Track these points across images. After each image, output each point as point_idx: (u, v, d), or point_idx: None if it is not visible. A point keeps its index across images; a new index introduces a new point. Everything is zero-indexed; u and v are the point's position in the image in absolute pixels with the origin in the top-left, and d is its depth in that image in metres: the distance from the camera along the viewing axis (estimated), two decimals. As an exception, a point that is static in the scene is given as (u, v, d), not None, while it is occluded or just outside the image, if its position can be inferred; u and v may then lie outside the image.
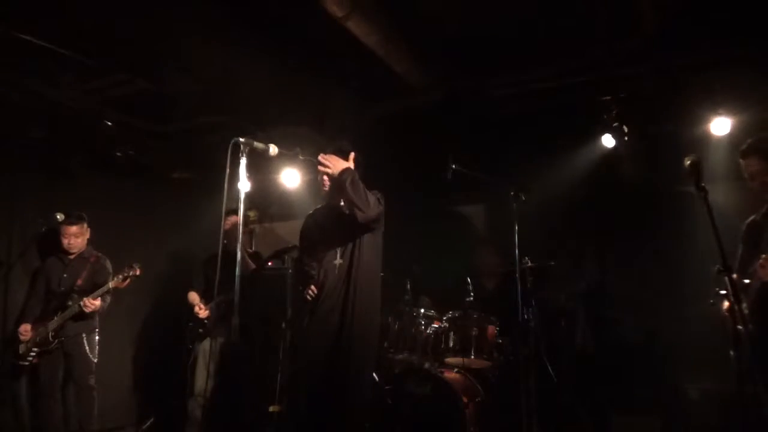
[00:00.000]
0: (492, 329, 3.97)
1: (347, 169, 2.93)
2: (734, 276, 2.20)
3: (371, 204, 2.88)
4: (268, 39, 3.60)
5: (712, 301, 2.64)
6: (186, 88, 4.24)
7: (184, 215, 5.58)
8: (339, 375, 2.85)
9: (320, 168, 2.97)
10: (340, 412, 2.83)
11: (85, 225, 4.32)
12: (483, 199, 5.48)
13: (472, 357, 3.86)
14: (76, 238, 4.26)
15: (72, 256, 4.29)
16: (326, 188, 3.10)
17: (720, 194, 3.09)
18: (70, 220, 4.24)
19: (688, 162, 2.74)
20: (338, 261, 3.00)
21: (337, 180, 2.92)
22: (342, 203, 3.08)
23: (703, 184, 2.41)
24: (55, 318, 4.06)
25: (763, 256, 2.44)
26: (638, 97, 4.19)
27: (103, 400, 4.29)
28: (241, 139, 2.55)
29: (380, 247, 3.11)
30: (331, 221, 3.12)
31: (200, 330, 4.42)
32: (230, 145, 2.54)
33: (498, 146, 4.75)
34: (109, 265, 4.36)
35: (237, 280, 2.50)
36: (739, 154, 2.77)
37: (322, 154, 3.00)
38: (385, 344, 3.95)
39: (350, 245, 3.01)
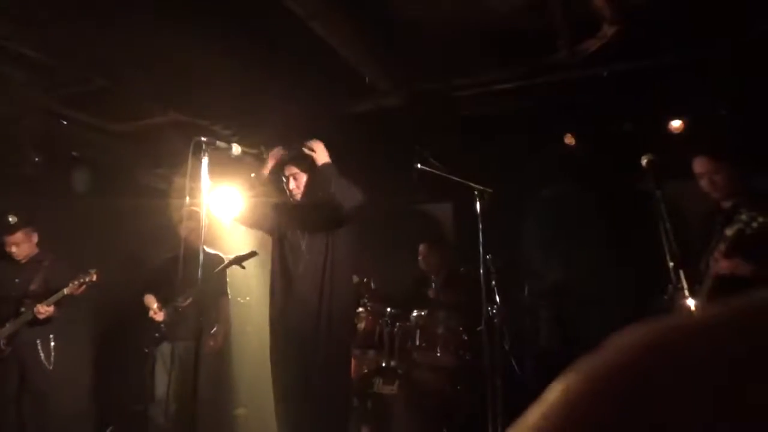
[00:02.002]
0: (458, 328, 4.00)
1: (330, 164, 3.00)
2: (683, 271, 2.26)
3: (355, 190, 3.03)
4: (231, 37, 3.54)
5: (666, 296, 2.73)
6: (146, 86, 4.14)
7: (145, 216, 5.44)
8: (315, 373, 2.87)
9: (306, 151, 3.05)
10: (320, 403, 2.85)
11: (29, 229, 4.14)
12: (448, 199, 5.53)
13: (439, 355, 3.88)
14: (20, 245, 4.08)
15: (24, 260, 4.14)
16: (298, 190, 3.12)
17: (682, 192, 3.20)
18: (10, 228, 4.04)
19: (645, 161, 2.82)
20: (306, 256, 3.02)
21: (320, 170, 2.97)
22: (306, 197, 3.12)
23: (658, 182, 2.47)
24: (7, 325, 3.90)
25: (720, 248, 2.51)
26: (598, 99, 4.29)
27: (60, 408, 4.16)
28: (203, 138, 2.51)
29: (352, 242, 3.15)
30: (299, 217, 3.13)
31: (156, 334, 4.30)
32: (192, 144, 2.50)
33: (463, 146, 4.79)
34: (66, 267, 4.21)
35: (199, 281, 2.47)
36: (692, 154, 2.87)
37: (308, 142, 3.07)
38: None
39: (323, 239, 3.04)
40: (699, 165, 2.78)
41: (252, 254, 3.66)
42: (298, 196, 3.17)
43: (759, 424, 0.21)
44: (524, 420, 0.26)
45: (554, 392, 0.26)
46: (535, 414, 0.26)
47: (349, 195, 2.97)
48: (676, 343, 0.25)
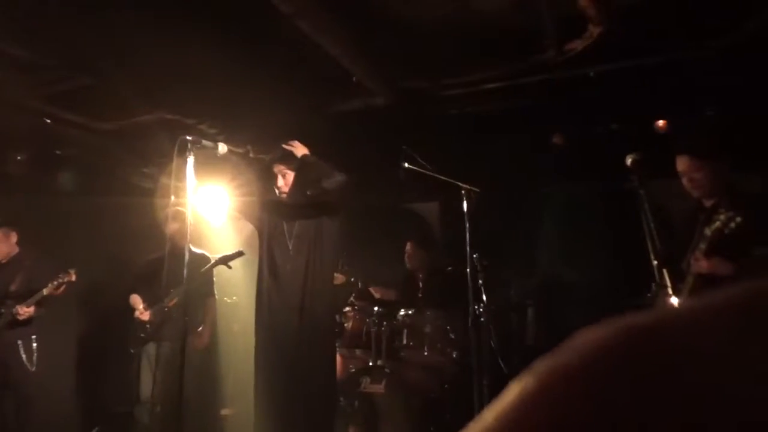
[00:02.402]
0: (445, 326, 4.01)
1: (309, 154, 3.15)
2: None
3: (337, 173, 3.13)
4: (217, 35, 3.52)
5: (650, 295, 2.75)
6: (131, 84, 4.10)
7: (130, 216, 5.39)
8: (299, 372, 2.87)
9: (285, 148, 3.11)
10: (304, 403, 2.85)
11: (7, 229, 4.08)
12: (436, 198, 5.54)
13: (426, 354, 3.89)
14: None
15: (4, 260, 4.08)
16: (286, 187, 3.15)
17: (667, 191, 3.23)
18: None
19: (630, 160, 2.85)
20: (291, 254, 3.03)
21: (302, 162, 3.05)
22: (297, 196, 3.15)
23: (642, 181, 2.49)
24: (-14, 326, 3.85)
25: (701, 248, 2.54)
26: (585, 98, 4.32)
27: (43, 410, 4.11)
28: (189, 137, 2.49)
29: (337, 241, 3.17)
30: (285, 215, 3.14)
31: (142, 335, 4.26)
32: (177, 143, 2.48)
33: (450, 146, 4.80)
34: (48, 267, 4.15)
35: (185, 280, 2.45)
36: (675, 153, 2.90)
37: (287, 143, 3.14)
38: (338, 343, 3.93)
39: (309, 239, 3.06)
40: (681, 163, 2.81)
41: (238, 254, 3.65)
42: (285, 195, 3.20)
43: (736, 422, 0.21)
44: (479, 421, 0.25)
45: (511, 393, 0.25)
46: (490, 415, 0.25)
47: (331, 176, 3.07)
48: (638, 343, 0.24)
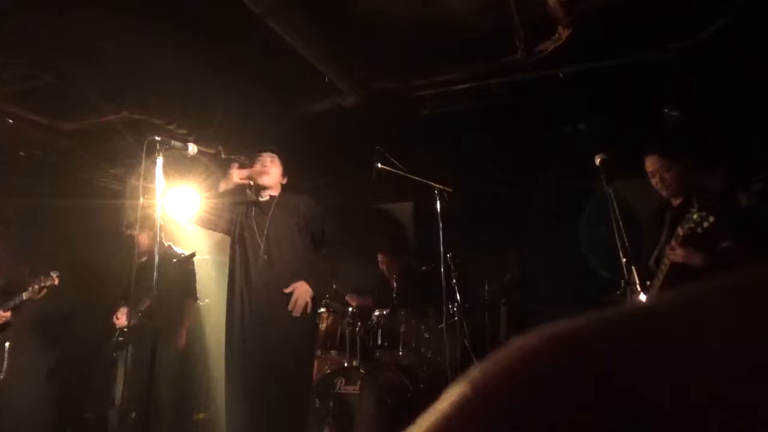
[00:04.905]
0: (419, 326, 4.02)
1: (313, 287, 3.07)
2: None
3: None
4: (187, 33, 3.46)
5: (618, 291, 2.81)
6: (96, 83, 4.00)
7: (101, 218, 5.27)
8: (274, 375, 2.84)
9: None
10: (280, 409, 2.82)
11: None
12: (409, 198, 5.56)
13: (401, 354, 3.90)
14: None
15: None
16: (265, 168, 3.12)
17: (634, 190, 3.30)
18: None
19: (599, 159, 2.91)
20: (264, 256, 2.99)
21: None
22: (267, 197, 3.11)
23: (610, 181, 2.53)
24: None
25: (680, 234, 2.58)
26: (554, 98, 4.39)
27: (12, 418, 3.99)
28: (157, 138, 2.45)
29: (310, 242, 3.15)
30: (258, 217, 3.11)
31: (120, 338, 4.18)
32: (145, 144, 2.43)
33: (423, 146, 4.82)
34: (26, 269, 4.01)
35: (155, 284, 2.41)
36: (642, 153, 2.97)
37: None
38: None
39: (282, 239, 3.03)
40: (651, 163, 2.87)
41: (191, 256, 3.60)
42: (266, 177, 3.14)
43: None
44: (416, 428, 0.25)
45: (447, 401, 0.24)
46: (427, 423, 0.24)
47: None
48: (565, 350, 0.24)
